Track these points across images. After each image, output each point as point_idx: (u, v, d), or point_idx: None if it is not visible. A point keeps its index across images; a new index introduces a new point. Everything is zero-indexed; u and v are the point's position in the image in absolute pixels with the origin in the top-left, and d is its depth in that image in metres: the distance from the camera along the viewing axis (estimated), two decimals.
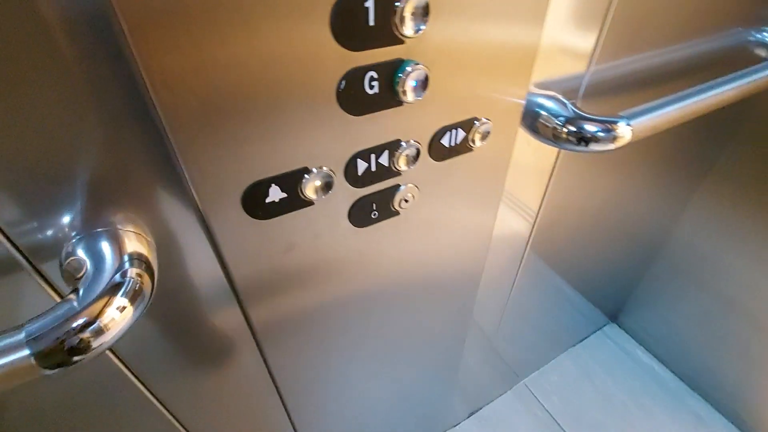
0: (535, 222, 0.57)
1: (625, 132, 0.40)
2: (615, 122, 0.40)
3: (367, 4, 0.22)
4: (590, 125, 0.40)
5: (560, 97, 0.41)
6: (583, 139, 0.40)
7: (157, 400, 0.37)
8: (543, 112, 0.40)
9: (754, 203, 0.78)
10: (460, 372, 0.83)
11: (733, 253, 0.85)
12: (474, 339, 0.75)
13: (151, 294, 0.25)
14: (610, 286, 1.07)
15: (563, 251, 0.75)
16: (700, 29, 0.55)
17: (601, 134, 0.40)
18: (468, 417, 0.97)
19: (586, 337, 1.15)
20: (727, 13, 0.57)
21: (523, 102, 0.38)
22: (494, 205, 0.44)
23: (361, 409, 0.65)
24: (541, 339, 1.01)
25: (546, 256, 0.70)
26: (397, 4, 0.23)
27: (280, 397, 0.50)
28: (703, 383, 1.02)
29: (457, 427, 0.96)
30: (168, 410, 0.39)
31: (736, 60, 0.61)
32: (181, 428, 0.42)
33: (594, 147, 0.40)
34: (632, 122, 0.40)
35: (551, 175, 0.51)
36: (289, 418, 0.54)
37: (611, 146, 0.40)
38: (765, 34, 0.61)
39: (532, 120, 0.41)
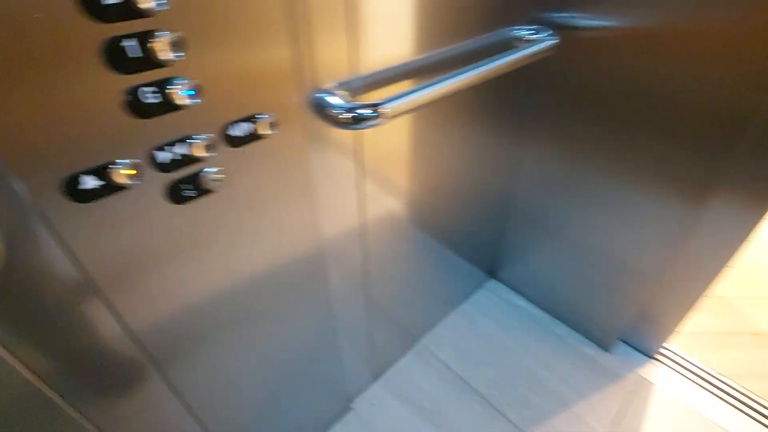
0: (360, 187, 0.71)
1: (386, 111, 0.55)
2: (378, 105, 0.55)
3: (122, 44, 0.34)
4: (362, 110, 0.54)
5: (341, 92, 0.55)
6: (359, 120, 0.55)
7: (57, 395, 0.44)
8: (328, 105, 0.54)
9: (569, 150, 1.00)
10: (358, 342, 0.95)
11: (564, 196, 1.07)
12: (359, 310, 0.88)
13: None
14: (482, 246, 1.26)
15: (427, 218, 0.91)
16: (473, 30, 0.73)
17: (370, 115, 0.54)
18: (374, 381, 1.10)
19: (471, 295, 1.34)
20: (491, 19, 0.76)
21: (300, 99, 0.51)
22: (306, 180, 0.57)
23: (262, 392, 0.74)
24: (430, 302, 1.17)
25: (413, 222, 0.85)
26: (150, 41, 0.35)
27: (175, 392, 0.58)
28: (563, 312, 1.24)
29: (367, 391, 1.08)
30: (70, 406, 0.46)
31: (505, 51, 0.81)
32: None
33: (368, 123, 0.55)
34: (391, 104, 0.56)
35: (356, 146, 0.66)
36: (187, 410, 0.62)
37: (381, 121, 0.55)
38: (517, 31, 0.82)
39: (321, 111, 0.55)
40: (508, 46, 0.83)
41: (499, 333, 1.22)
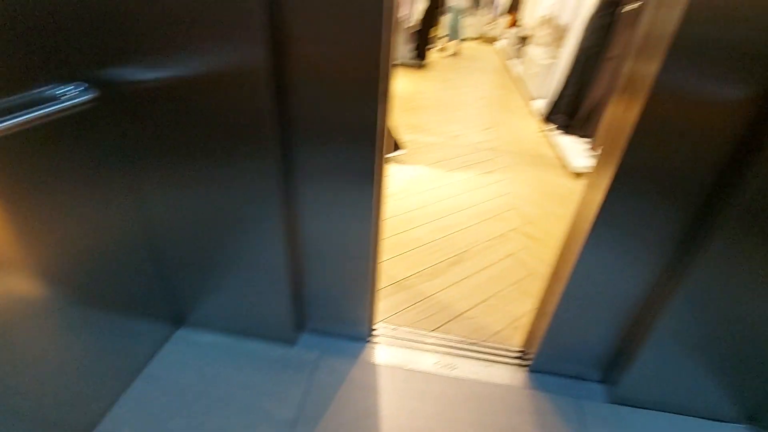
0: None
1: None
2: None
3: None
4: None
5: None
6: None
7: None
8: None
9: (172, 179, 1.05)
10: None
11: (193, 223, 1.13)
12: None
13: None
14: (156, 300, 1.21)
15: (51, 302, 0.77)
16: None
17: None
18: None
19: (156, 353, 1.27)
20: (23, 81, 0.73)
21: None
22: None
23: None
24: (96, 386, 1.04)
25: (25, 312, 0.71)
26: None
27: None
28: (245, 328, 1.32)
29: None
30: None
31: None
32: None
33: None
34: None
35: None
36: None
37: None
38: (53, 90, 0.82)
39: None
40: (49, 100, 0.83)
41: (190, 379, 1.20)
